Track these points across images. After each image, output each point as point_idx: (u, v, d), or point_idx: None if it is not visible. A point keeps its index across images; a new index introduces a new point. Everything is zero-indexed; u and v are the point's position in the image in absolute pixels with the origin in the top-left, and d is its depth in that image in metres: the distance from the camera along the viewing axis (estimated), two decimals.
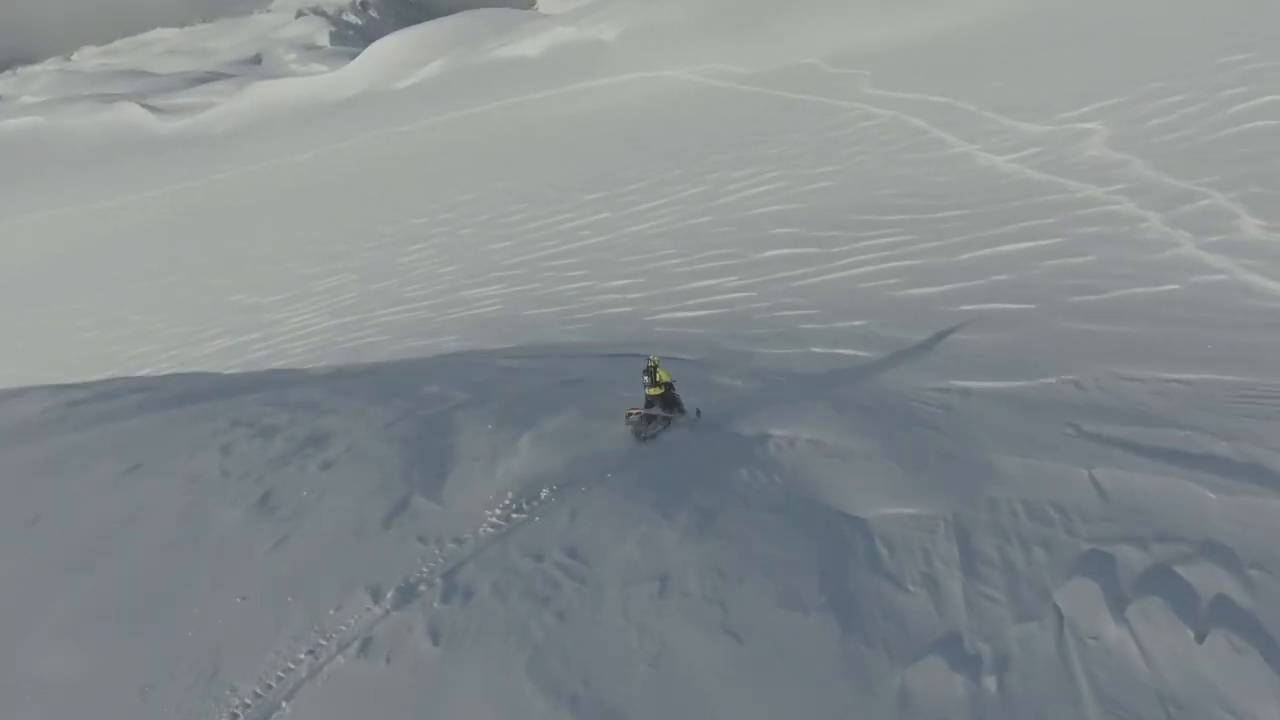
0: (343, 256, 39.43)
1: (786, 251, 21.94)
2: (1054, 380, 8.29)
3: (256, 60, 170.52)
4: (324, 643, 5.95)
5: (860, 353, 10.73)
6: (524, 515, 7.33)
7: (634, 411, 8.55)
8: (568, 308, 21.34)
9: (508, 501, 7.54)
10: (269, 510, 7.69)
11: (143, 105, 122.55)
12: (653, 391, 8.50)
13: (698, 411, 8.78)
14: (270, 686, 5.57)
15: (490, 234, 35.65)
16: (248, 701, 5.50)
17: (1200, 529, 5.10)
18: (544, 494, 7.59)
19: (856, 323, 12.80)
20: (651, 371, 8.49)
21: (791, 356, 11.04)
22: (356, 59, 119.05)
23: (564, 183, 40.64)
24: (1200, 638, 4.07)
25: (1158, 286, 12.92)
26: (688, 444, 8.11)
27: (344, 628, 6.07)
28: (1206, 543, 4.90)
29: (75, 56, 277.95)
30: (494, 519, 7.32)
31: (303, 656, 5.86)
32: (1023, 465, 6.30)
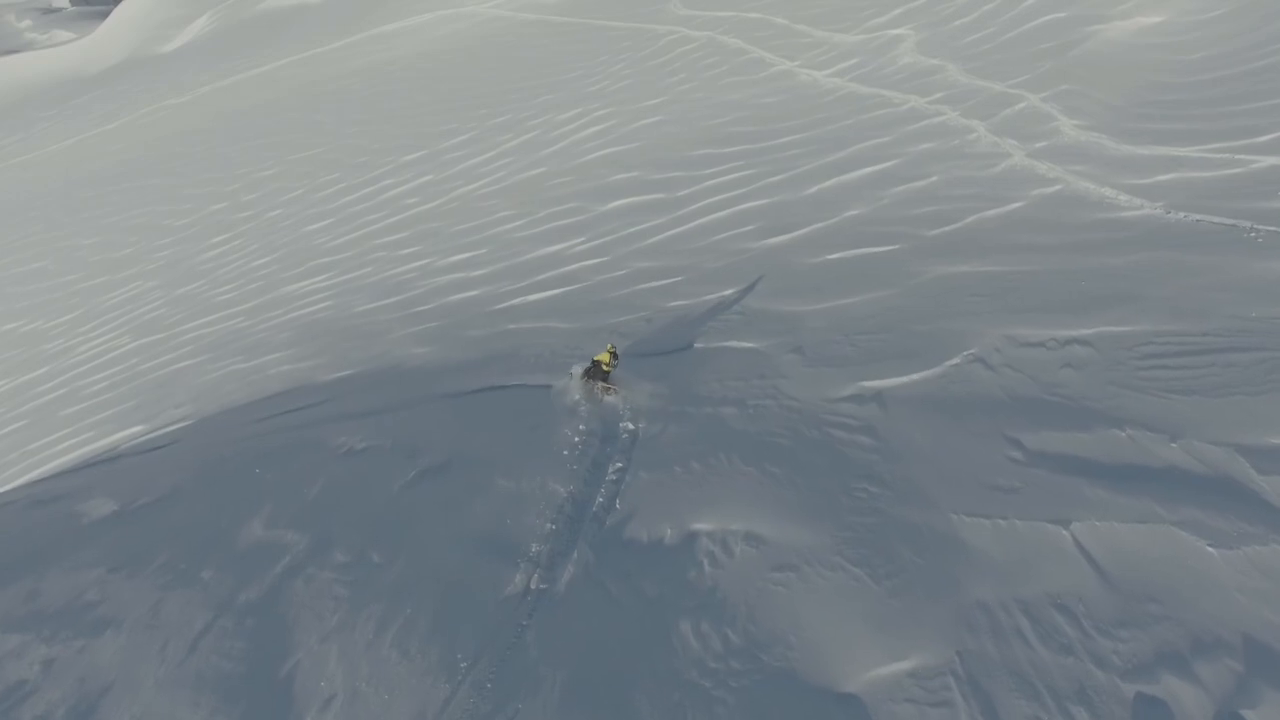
0: (132, 261, 34.22)
1: (630, 200, 20.66)
2: (958, 360, 7.62)
3: None
4: None
5: (746, 343, 9.65)
6: None
7: (610, 389, 9.77)
8: (406, 297, 19.14)
9: None
10: None
11: None
12: (609, 368, 9.74)
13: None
14: None
15: (305, 213, 31.85)
16: None
17: (1228, 617, 4.42)
18: None
19: (726, 292, 11.78)
20: (615, 354, 9.87)
21: (673, 363, 9.83)
22: (108, 21, 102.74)
23: (376, 144, 36.92)
24: None
25: (1004, 206, 12.79)
26: (609, 580, 6.24)
27: None
28: (1247, 643, 4.20)
29: None
30: None
31: None
32: (993, 532, 5.37)
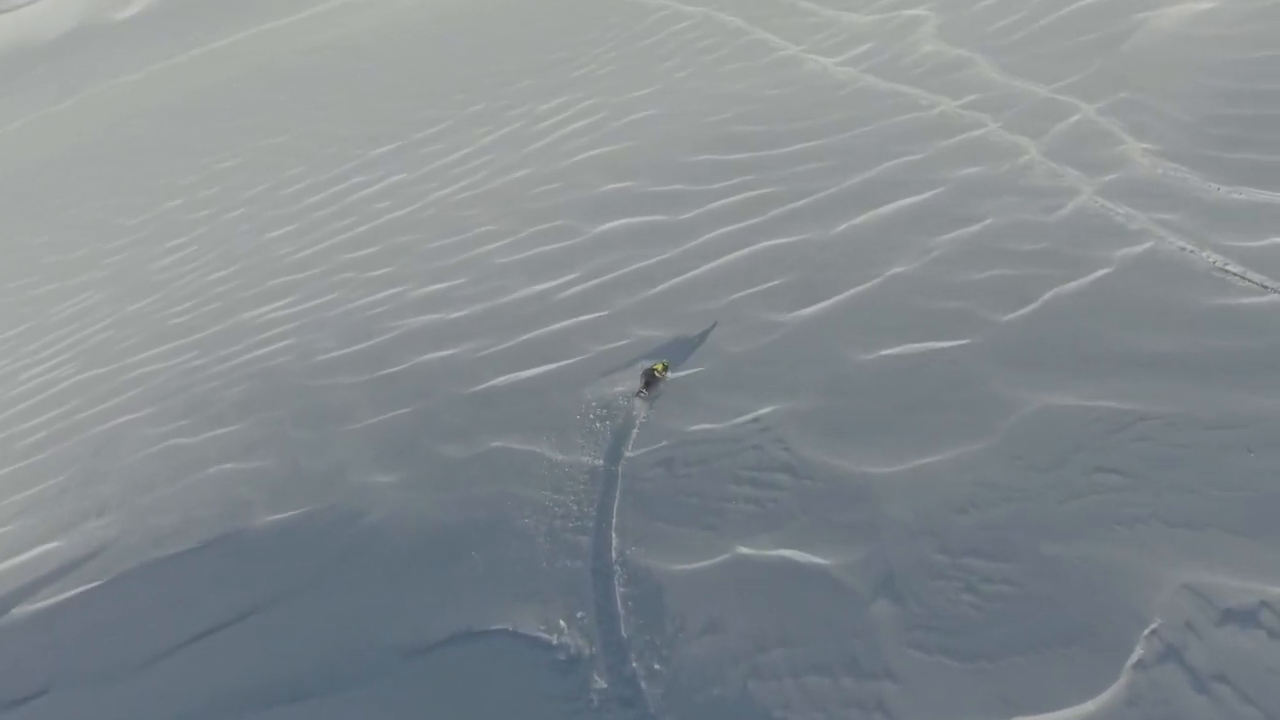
0: (85, 265, 31.40)
1: (626, 222, 18.09)
2: (1141, 656, 5.17)
3: None
4: None
5: (809, 555, 7.08)
6: None
7: (644, 394, 10.96)
8: (375, 345, 16.65)
9: None
10: None
11: None
12: (660, 376, 11.06)
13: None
14: None
15: (267, 215, 28.97)
16: None
17: None
18: None
19: (762, 410, 9.30)
20: (667, 368, 11.22)
21: (713, 594, 7.25)
22: None
23: (345, 132, 33.82)
24: None
25: (1086, 275, 10.36)
26: None
27: None
28: None
29: None
30: None
31: None
32: None
